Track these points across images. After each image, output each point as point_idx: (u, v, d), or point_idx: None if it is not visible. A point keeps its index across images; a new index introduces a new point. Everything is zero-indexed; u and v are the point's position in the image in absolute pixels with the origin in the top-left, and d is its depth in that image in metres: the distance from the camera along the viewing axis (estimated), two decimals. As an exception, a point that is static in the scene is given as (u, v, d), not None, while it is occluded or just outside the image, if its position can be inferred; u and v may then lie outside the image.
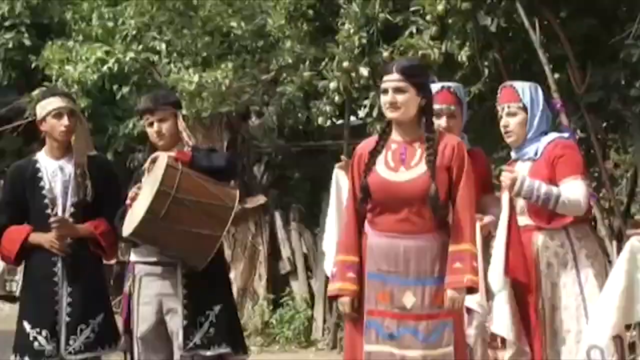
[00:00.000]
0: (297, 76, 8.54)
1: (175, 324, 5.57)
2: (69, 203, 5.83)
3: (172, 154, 5.51)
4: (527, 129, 5.55)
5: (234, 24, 8.70)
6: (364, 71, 7.81)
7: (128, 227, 5.45)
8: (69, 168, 5.86)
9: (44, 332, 5.72)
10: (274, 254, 10.78)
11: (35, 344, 5.75)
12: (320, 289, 10.40)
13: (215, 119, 10.14)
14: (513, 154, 5.72)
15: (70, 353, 5.73)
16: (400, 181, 4.91)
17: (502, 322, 5.32)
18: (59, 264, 5.77)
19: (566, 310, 5.44)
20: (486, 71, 7.67)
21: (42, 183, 5.84)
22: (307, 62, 8.60)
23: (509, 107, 5.57)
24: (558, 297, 5.47)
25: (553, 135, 5.61)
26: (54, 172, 5.86)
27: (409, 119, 4.98)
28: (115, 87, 10.58)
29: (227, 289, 5.90)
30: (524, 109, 5.56)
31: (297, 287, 10.53)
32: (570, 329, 5.43)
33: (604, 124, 8.41)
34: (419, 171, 4.90)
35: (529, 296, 5.42)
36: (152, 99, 5.79)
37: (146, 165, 5.64)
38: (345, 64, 7.82)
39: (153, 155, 5.60)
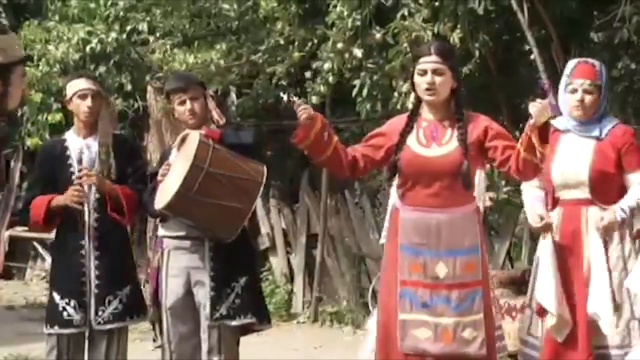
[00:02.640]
0: (288, 57, 8.76)
1: (203, 295, 5.77)
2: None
3: (202, 131, 5.73)
4: (597, 108, 5.68)
5: (226, 5, 8.90)
6: (358, 52, 8.06)
7: (161, 200, 5.65)
8: (95, 147, 6.04)
9: (72, 302, 5.90)
10: (252, 230, 10.97)
11: (65, 313, 5.94)
12: (300, 264, 10.65)
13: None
14: (562, 124, 5.76)
15: (99, 323, 5.92)
16: (433, 156, 5.12)
17: (547, 294, 5.57)
18: (86, 237, 5.95)
19: (608, 280, 5.60)
20: (477, 52, 7.96)
21: (69, 161, 6.02)
22: (296, 43, 8.82)
23: (589, 84, 5.65)
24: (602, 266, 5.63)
25: (614, 119, 5.82)
26: (81, 150, 6.03)
27: (441, 100, 5.17)
28: (92, 66, 10.68)
29: (252, 262, 6.12)
30: (599, 88, 5.69)
31: (277, 262, 10.77)
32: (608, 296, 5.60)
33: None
34: (450, 147, 5.11)
35: (574, 266, 5.66)
36: (183, 78, 6.01)
37: (175, 143, 5.85)
38: (340, 45, 8.06)
39: (183, 134, 5.80)
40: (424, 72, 5.11)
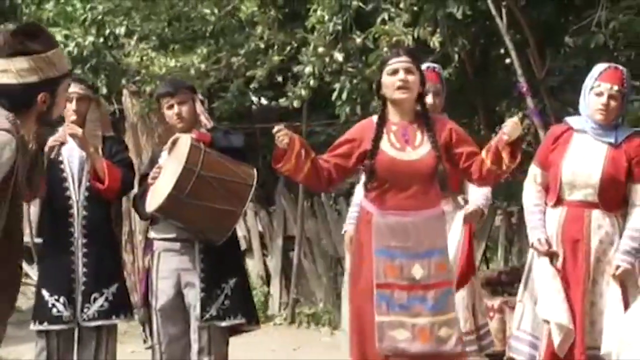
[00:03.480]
0: (267, 60, 8.83)
1: (193, 296, 5.87)
2: (84, 179, 6.06)
3: (193, 135, 5.80)
4: (618, 115, 5.75)
5: (207, 10, 8.96)
6: (339, 56, 8.14)
7: (153, 203, 5.73)
8: None
9: (61, 299, 5.96)
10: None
11: (54, 310, 6.00)
12: (277, 266, 10.70)
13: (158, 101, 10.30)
14: (579, 124, 5.83)
15: (84, 320, 5.99)
16: (410, 160, 5.23)
17: (557, 308, 5.67)
18: (76, 234, 6.00)
19: (608, 286, 5.70)
20: (456, 56, 8.07)
21: (60, 157, 6.09)
22: (276, 47, 8.89)
23: (616, 90, 5.68)
24: (600, 272, 5.73)
25: (629, 128, 5.89)
26: (72, 148, 6.09)
27: (411, 101, 5.30)
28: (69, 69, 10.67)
29: (241, 264, 6.22)
30: (623, 95, 5.73)
31: (253, 264, 10.81)
32: (610, 303, 5.69)
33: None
34: (424, 150, 5.24)
35: (573, 270, 5.75)
36: (171, 83, 6.08)
37: (166, 146, 5.92)
38: (321, 49, 8.13)
39: (174, 137, 5.87)
40: (395, 72, 5.25)
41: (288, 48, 8.94)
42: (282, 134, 5.11)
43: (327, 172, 5.30)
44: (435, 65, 6.33)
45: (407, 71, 5.24)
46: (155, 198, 5.73)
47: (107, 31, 9.59)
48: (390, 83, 5.26)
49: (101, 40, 10.13)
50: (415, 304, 5.22)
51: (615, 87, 5.69)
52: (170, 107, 5.93)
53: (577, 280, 5.73)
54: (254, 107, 12.42)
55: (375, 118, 5.40)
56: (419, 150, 5.27)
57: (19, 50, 3.63)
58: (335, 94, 8.39)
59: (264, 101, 12.79)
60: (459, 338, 5.29)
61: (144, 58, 9.49)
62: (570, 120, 5.94)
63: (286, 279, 10.60)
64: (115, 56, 10.50)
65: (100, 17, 9.68)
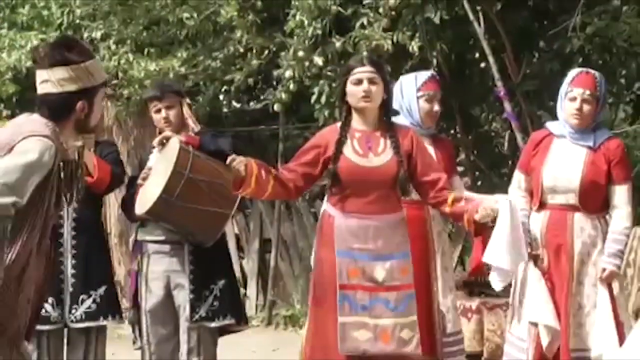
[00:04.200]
0: (246, 64, 8.93)
1: (183, 298, 5.94)
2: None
3: (182, 138, 5.87)
4: (594, 118, 5.85)
5: (186, 14, 9.03)
6: (319, 60, 8.24)
7: (143, 206, 5.79)
8: None
9: (49, 300, 5.95)
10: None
11: (42, 310, 6.03)
12: (253, 268, 10.78)
13: (141, 104, 10.32)
14: (557, 129, 5.95)
15: (72, 321, 6.01)
16: (372, 166, 5.35)
17: (544, 310, 5.78)
18: (65, 235, 6.01)
19: (593, 288, 5.82)
20: (434, 61, 8.19)
21: None
22: (254, 51, 8.99)
23: (588, 94, 5.80)
24: (585, 274, 5.83)
25: (605, 130, 6.01)
26: None
27: (374, 110, 5.41)
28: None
29: (229, 265, 6.28)
30: (597, 99, 5.84)
31: (229, 267, 10.88)
32: (595, 304, 5.81)
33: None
34: (387, 157, 5.35)
35: (556, 274, 5.87)
36: (159, 87, 6.15)
37: (155, 142, 5.97)
38: (301, 53, 8.24)
39: (163, 135, 5.93)
40: (359, 82, 5.35)
41: (266, 52, 9.04)
42: (236, 163, 5.17)
43: (293, 182, 5.38)
44: (435, 73, 6.49)
45: (371, 81, 5.35)
46: (144, 201, 5.79)
47: (85, 35, 9.60)
48: (354, 92, 5.37)
49: (78, 44, 10.13)
50: (377, 305, 5.30)
51: (588, 92, 5.81)
52: (158, 110, 6.01)
53: (562, 282, 5.84)
54: (225, 110, 12.44)
55: (339, 124, 5.50)
56: (381, 156, 5.38)
57: (58, 61, 3.76)
58: (314, 98, 8.49)
59: (236, 104, 12.84)
60: (419, 340, 5.38)
61: (121, 62, 9.54)
62: (550, 125, 6.07)
63: (263, 281, 10.68)
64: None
65: (77, 21, 9.71)
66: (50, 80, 3.79)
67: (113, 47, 9.38)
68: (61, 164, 3.83)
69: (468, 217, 5.23)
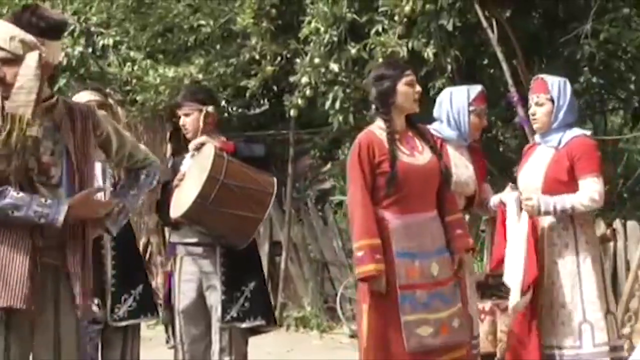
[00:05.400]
0: (260, 71, 9.09)
1: (215, 299, 6.09)
2: (108, 181, 6.07)
3: (217, 143, 6.03)
4: (553, 119, 6.01)
5: (202, 22, 9.20)
6: (335, 66, 8.41)
7: (178, 209, 5.94)
8: None
9: (96, 300, 6.09)
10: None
11: None
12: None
13: (155, 110, 10.49)
14: (537, 138, 6.18)
15: (114, 320, 6.16)
16: (422, 164, 5.55)
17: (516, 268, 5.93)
18: (105, 237, 6.11)
19: (562, 287, 5.97)
20: (449, 67, 8.37)
21: None
22: (268, 58, 9.15)
23: (538, 97, 6.01)
24: (557, 273, 5.99)
25: (577, 131, 6.11)
26: None
27: None
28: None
29: (260, 267, 6.43)
30: (552, 100, 6.02)
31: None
32: (564, 304, 5.97)
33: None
34: (428, 155, 5.60)
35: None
36: (182, 94, 6.32)
37: (191, 146, 6.14)
38: (317, 60, 8.41)
39: (198, 141, 6.10)
40: (413, 83, 5.59)
41: (279, 59, 9.21)
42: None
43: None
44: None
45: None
46: (180, 205, 5.95)
47: (101, 42, 9.75)
48: (408, 93, 5.55)
49: (90, 50, 10.30)
50: (435, 300, 5.52)
51: (536, 96, 6.07)
52: (179, 118, 6.22)
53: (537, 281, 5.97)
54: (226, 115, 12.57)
55: (375, 129, 5.63)
56: (424, 154, 5.61)
57: None
58: (328, 103, 8.65)
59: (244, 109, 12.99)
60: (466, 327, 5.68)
61: (135, 68, 9.70)
62: (536, 136, 6.29)
63: (273, 284, 10.81)
64: (102, 66, 10.67)
65: (91, 28, 9.87)
66: None
67: (125, 53, 9.51)
68: None
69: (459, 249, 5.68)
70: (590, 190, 5.88)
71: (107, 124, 4.58)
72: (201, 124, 6.19)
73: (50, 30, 4.30)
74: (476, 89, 6.38)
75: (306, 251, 10.80)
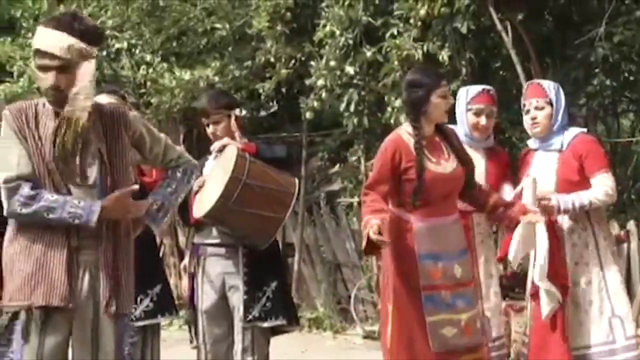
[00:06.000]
0: (275, 73, 9.17)
1: (237, 299, 6.14)
2: None
3: (239, 145, 6.10)
4: (553, 122, 6.10)
5: (217, 25, 9.28)
6: (350, 69, 8.49)
7: (201, 209, 6.00)
8: None
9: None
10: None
11: None
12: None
13: (170, 112, 10.57)
14: (533, 144, 6.26)
15: (132, 320, 6.21)
16: (447, 172, 5.63)
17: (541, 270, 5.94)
18: None
19: (589, 286, 6.06)
20: (463, 70, 8.44)
21: None
22: (283, 61, 9.23)
23: (537, 101, 6.11)
24: (580, 274, 6.07)
25: (575, 130, 6.19)
26: None
27: None
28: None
29: (281, 267, 6.50)
30: (550, 103, 6.11)
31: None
32: (592, 302, 6.05)
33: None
34: (454, 162, 5.67)
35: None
36: (208, 102, 6.35)
37: (214, 147, 6.20)
38: (332, 62, 8.48)
39: (221, 142, 6.16)
40: (446, 96, 5.66)
41: (293, 62, 9.30)
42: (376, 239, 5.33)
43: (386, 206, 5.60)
44: (490, 88, 6.60)
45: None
46: (203, 205, 6.01)
47: (117, 46, 9.82)
48: (442, 105, 5.62)
49: (104, 53, 10.38)
50: (458, 301, 5.60)
51: (535, 100, 6.15)
52: (207, 125, 6.25)
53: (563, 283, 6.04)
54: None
55: (403, 134, 5.69)
56: (450, 162, 5.67)
57: None
58: (343, 106, 8.73)
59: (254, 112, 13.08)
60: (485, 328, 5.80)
61: (150, 71, 9.78)
62: (529, 142, 6.38)
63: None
64: (115, 69, 10.75)
65: (107, 31, 9.93)
66: None
67: (140, 56, 9.58)
68: None
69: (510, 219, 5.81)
70: (603, 185, 5.99)
71: (139, 123, 4.67)
72: (234, 129, 6.25)
73: (94, 37, 4.39)
74: (476, 88, 6.45)
75: (319, 253, 10.88)
